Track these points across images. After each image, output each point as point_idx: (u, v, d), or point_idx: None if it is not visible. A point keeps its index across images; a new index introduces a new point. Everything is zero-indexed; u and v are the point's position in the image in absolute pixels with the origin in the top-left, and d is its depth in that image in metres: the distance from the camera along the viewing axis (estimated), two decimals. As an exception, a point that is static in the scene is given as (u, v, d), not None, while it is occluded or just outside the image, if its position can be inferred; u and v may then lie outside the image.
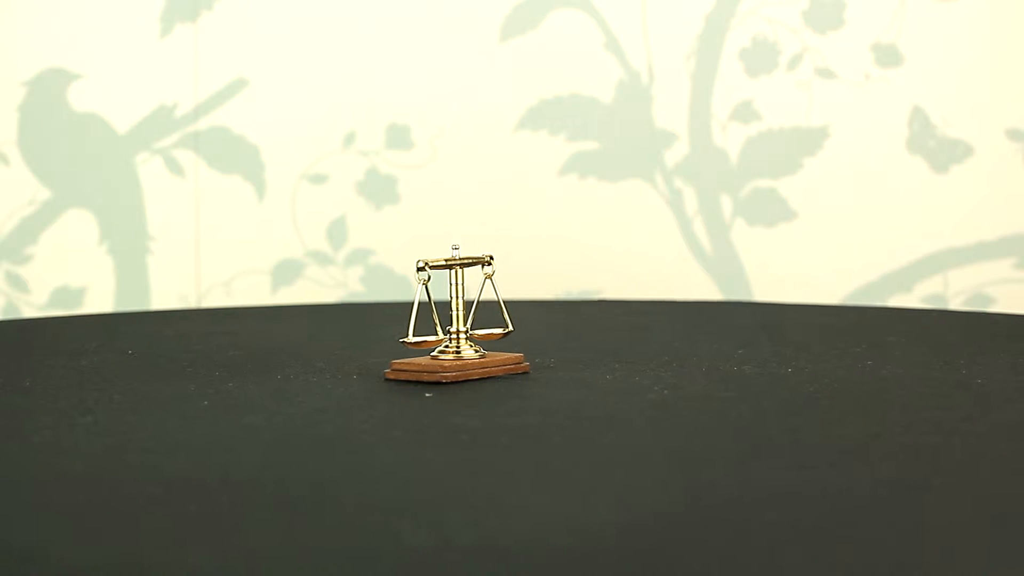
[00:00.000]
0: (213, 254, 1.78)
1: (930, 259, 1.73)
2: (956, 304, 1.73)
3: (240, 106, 1.77)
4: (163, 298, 1.77)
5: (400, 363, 0.91)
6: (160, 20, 1.76)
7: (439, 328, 0.92)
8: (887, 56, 1.73)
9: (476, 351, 0.92)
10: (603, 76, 1.76)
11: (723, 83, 1.75)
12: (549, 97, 1.77)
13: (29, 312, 1.75)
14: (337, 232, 1.78)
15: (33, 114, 1.76)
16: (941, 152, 1.72)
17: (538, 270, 1.78)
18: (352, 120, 1.78)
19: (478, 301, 0.94)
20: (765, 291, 1.75)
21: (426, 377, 0.90)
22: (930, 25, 1.72)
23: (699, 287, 1.75)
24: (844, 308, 1.44)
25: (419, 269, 0.91)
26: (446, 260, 0.92)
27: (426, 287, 0.92)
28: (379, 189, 1.78)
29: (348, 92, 1.77)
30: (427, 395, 0.86)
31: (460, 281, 0.93)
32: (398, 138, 1.78)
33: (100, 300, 1.76)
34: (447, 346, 0.92)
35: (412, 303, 0.91)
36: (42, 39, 1.75)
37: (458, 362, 0.91)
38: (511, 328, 0.95)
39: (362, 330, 1.27)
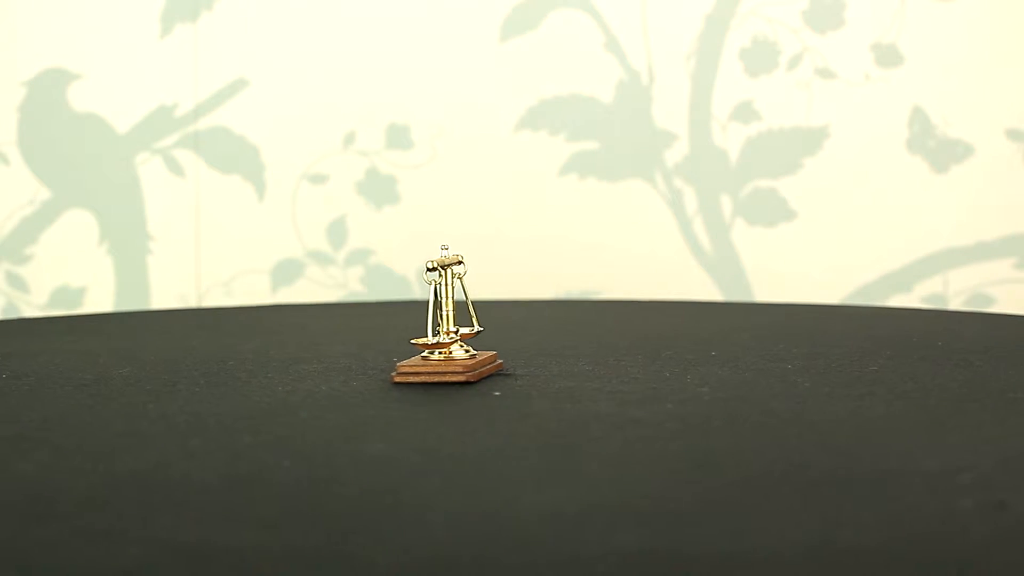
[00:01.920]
0: (213, 254, 1.78)
1: (930, 259, 1.73)
2: (956, 304, 1.73)
3: (240, 106, 1.77)
4: (163, 298, 1.77)
5: (406, 366, 0.90)
6: (160, 20, 1.76)
7: (441, 329, 0.92)
8: (887, 56, 1.73)
9: (466, 351, 0.92)
10: (603, 76, 1.76)
11: (723, 83, 1.75)
12: (549, 97, 1.77)
13: (29, 312, 1.75)
14: (337, 232, 1.78)
15: (33, 114, 1.75)
16: (941, 152, 1.73)
17: (538, 270, 1.78)
18: (352, 120, 1.78)
19: (452, 300, 0.94)
20: (765, 291, 1.75)
21: (450, 378, 0.89)
22: (930, 25, 1.72)
23: (699, 287, 1.76)
24: (845, 308, 1.44)
25: (430, 270, 0.91)
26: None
27: (435, 288, 0.91)
28: (379, 189, 1.78)
29: (348, 92, 1.77)
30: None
31: (452, 282, 0.93)
32: (398, 138, 1.78)
33: (100, 300, 1.76)
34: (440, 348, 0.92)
35: (427, 303, 0.91)
36: (42, 39, 1.75)
37: (467, 362, 0.91)
38: (479, 328, 0.95)
39: (363, 330, 1.27)
